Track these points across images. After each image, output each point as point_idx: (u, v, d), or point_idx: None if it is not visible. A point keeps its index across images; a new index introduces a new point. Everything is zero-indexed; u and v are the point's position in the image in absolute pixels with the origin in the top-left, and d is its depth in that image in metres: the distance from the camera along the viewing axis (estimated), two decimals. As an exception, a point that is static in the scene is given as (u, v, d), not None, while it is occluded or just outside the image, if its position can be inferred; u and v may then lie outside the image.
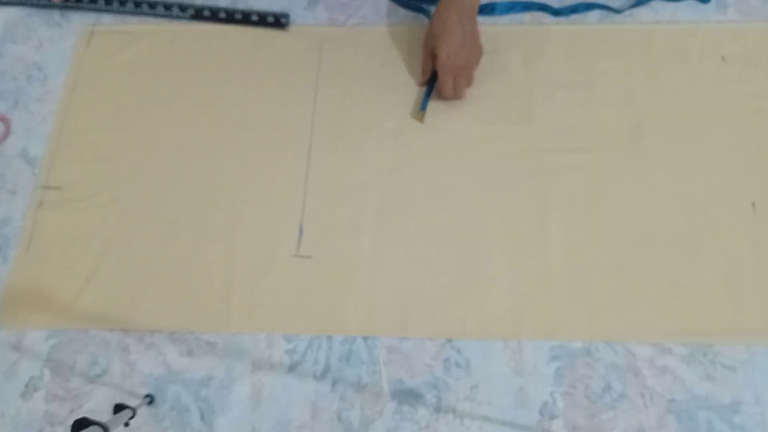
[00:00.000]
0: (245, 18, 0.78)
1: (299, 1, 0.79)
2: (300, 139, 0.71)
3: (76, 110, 0.75)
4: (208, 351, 0.63)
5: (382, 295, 0.64)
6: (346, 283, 0.64)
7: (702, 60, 0.72)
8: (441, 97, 0.71)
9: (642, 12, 0.76)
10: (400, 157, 0.70)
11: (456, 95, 0.70)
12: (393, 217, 0.67)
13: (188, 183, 0.70)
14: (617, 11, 0.76)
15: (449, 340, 0.62)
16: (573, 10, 0.76)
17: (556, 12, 0.76)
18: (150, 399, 0.61)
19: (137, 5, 0.79)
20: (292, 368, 0.62)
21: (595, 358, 0.61)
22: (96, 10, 0.80)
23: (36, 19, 0.81)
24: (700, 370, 0.60)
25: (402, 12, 0.78)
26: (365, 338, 0.63)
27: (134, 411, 0.55)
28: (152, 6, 0.79)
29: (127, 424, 0.54)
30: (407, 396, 0.60)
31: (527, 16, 0.77)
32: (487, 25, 0.75)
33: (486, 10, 0.76)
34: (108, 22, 0.80)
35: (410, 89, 0.73)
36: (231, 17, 0.78)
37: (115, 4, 0.79)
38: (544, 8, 0.76)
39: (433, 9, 0.70)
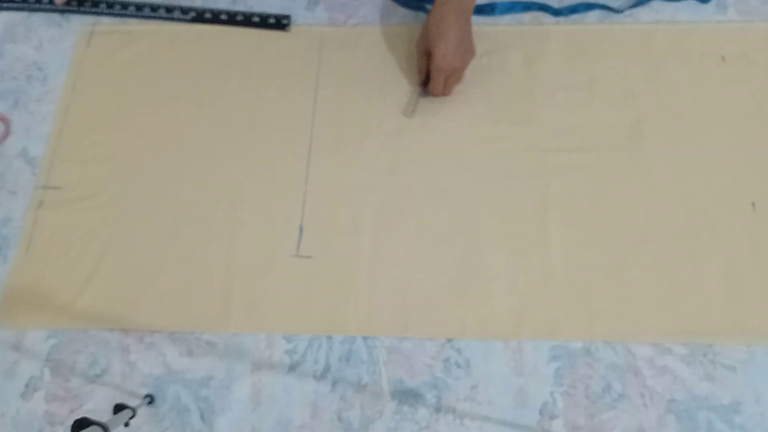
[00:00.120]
0: (246, 20, 0.78)
1: (299, 2, 0.79)
2: (300, 139, 0.71)
3: (76, 110, 0.75)
4: (208, 351, 0.63)
5: (382, 295, 0.64)
6: (346, 283, 0.64)
7: (702, 60, 0.72)
8: (431, 94, 0.71)
9: (642, 12, 0.76)
10: (400, 157, 0.70)
11: (445, 93, 0.70)
12: (393, 217, 0.67)
13: (188, 183, 0.70)
14: (617, 11, 0.76)
15: (449, 340, 0.62)
16: (573, 10, 0.76)
17: (556, 12, 0.76)
18: (150, 399, 0.61)
19: (139, 8, 0.79)
20: (292, 368, 0.62)
21: (595, 358, 0.61)
22: (97, 13, 0.80)
23: (36, 20, 0.81)
24: (700, 370, 0.60)
25: (402, 12, 0.78)
26: (365, 338, 0.63)
27: (134, 411, 0.55)
28: (154, 9, 0.79)
29: (127, 424, 0.54)
30: (407, 396, 0.60)
31: (527, 16, 0.77)
32: (487, 25, 0.75)
33: (486, 10, 0.76)
34: (108, 22, 0.80)
35: (410, 89, 0.73)
36: (232, 19, 0.78)
37: (117, 8, 0.79)
38: (544, 8, 0.76)
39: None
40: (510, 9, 0.77)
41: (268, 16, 0.78)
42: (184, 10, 0.79)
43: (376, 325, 0.63)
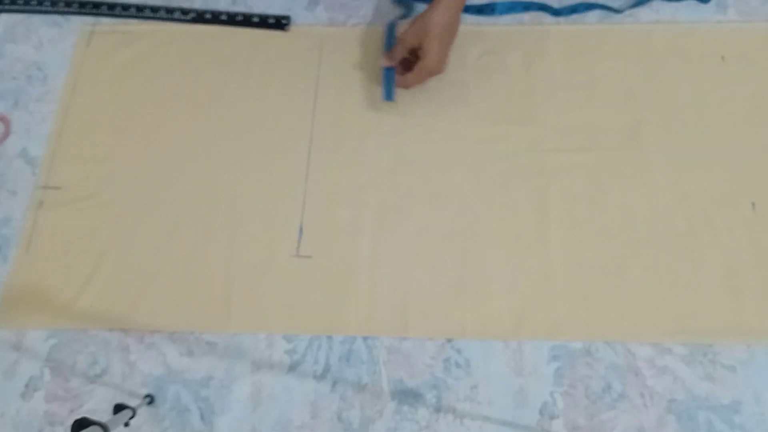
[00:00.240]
0: (246, 20, 0.78)
1: (299, 2, 0.79)
2: (300, 139, 0.71)
3: (76, 110, 0.74)
4: (208, 351, 0.63)
5: (382, 295, 0.64)
6: (346, 283, 0.64)
7: (702, 60, 0.72)
8: (402, 87, 0.70)
9: (642, 12, 0.76)
10: (400, 157, 0.70)
11: (412, 86, 0.70)
12: (393, 217, 0.67)
13: (188, 183, 0.70)
14: (617, 11, 0.76)
15: (449, 340, 0.62)
16: (573, 10, 0.76)
17: (556, 12, 0.76)
18: (150, 399, 0.61)
19: (139, 10, 0.79)
20: (292, 368, 0.62)
21: (595, 358, 0.61)
22: (97, 15, 0.80)
23: (36, 20, 0.81)
24: (700, 370, 0.60)
25: (402, 12, 0.78)
26: (365, 338, 0.63)
27: (134, 411, 0.55)
28: (154, 10, 0.79)
29: (127, 424, 0.54)
30: (407, 396, 0.60)
31: (527, 16, 0.77)
32: (487, 25, 0.75)
33: (486, 10, 0.76)
34: (108, 22, 0.80)
35: (410, 89, 0.73)
36: (232, 20, 0.78)
37: (118, 9, 0.79)
38: (544, 8, 0.76)
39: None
40: (510, 9, 0.76)
41: (268, 16, 0.78)
42: (185, 11, 0.79)
43: (376, 325, 0.63)
